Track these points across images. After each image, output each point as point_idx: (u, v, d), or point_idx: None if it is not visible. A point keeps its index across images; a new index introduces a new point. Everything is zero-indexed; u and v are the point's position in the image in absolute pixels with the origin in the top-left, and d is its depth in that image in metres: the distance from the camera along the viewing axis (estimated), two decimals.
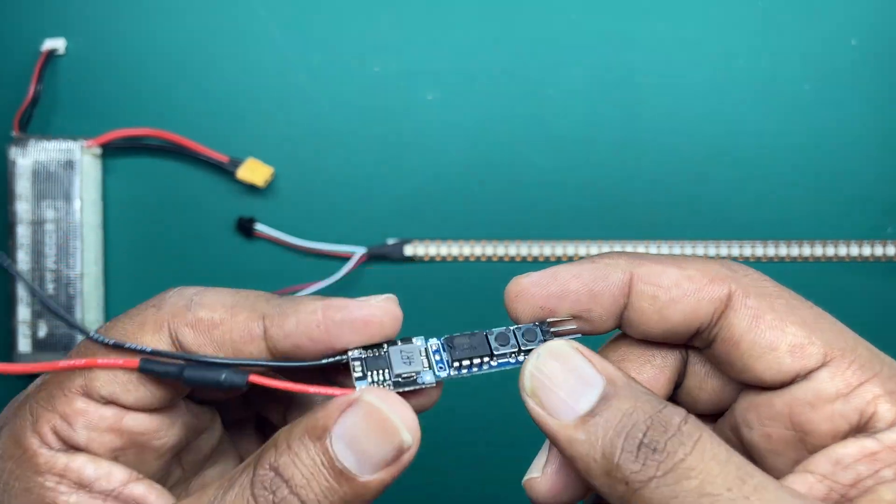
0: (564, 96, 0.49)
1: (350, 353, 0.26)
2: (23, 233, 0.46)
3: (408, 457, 0.24)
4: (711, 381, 0.27)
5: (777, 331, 0.25)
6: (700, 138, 0.48)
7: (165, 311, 0.25)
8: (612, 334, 0.29)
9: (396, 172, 0.49)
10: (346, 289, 0.49)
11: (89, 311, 0.47)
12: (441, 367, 0.26)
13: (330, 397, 0.24)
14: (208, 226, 0.49)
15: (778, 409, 0.25)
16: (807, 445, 0.25)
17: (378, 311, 0.25)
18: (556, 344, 0.25)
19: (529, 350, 0.26)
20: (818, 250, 0.48)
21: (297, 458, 0.23)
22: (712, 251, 0.48)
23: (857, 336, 0.26)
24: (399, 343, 0.26)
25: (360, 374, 0.25)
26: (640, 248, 0.48)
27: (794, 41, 0.48)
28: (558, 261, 0.48)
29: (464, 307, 0.49)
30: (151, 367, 0.25)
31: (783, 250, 0.48)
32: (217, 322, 0.25)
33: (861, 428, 0.24)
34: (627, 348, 0.28)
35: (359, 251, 0.48)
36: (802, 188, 0.48)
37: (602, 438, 0.22)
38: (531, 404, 0.24)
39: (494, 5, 0.48)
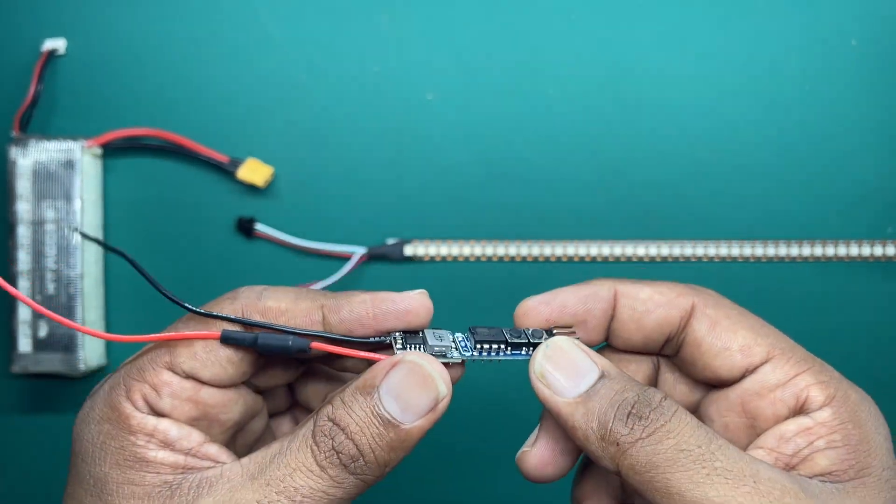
0: (564, 96, 0.49)
1: (393, 334, 0.31)
2: (23, 233, 0.46)
3: (443, 405, 0.29)
4: (680, 386, 0.33)
5: (730, 333, 0.31)
6: (700, 138, 0.48)
7: (240, 302, 0.31)
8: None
9: (396, 172, 0.49)
10: (347, 289, 0.49)
11: (90, 310, 0.47)
12: (465, 350, 0.31)
13: (372, 364, 0.30)
14: (208, 226, 0.49)
15: (732, 401, 0.31)
16: (756, 430, 0.30)
17: (416, 303, 0.31)
18: (561, 338, 0.31)
19: (537, 343, 0.31)
20: (818, 250, 0.48)
21: (350, 410, 0.28)
22: (712, 251, 0.48)
23: (794, 342, 0.31)
24: (434, 330, 0.31)
25: (400, 347, 0.31)
26: (640, 249, 0.48)
27: (794, 41, 0.48)
28: (558, 261, 0.48)
29: (464, 307, 0.49)
30: (231, 335, 0.30)
31: (783, 250, 0.48)
32: (284, 310, 0.31)
33: (798, 411, 0.30)
34: (608, 356, 0.33)
35: (359, 251, 0.48)
36: (803, 188, 0.48)
37: (598, 411, 0.28)
38: (539, 386, 0.30)
39: (494, 5, 0.48)
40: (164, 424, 0.29)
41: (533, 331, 0.32)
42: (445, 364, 0.31)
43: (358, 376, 0.30)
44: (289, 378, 0.34)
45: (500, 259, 0.49)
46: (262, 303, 0.31)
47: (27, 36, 0.48)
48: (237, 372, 0.31)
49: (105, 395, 0.30)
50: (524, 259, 0.48)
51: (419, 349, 0.31)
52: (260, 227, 0.48)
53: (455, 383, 0.31)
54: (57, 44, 0.48)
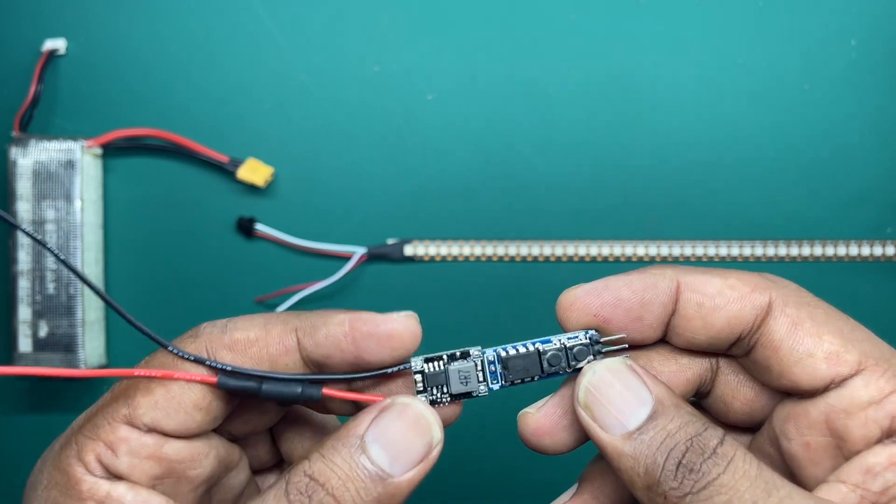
0: (564, 96, 0.49)
1: (413, 364, 0.27)
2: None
3: (436, 453, 0.26)
4: (744, 390, 0.29)
5: (814, 338, 0.26)
6: (700, 138, 0.48)
7: (203, 339, 0.27)
8: None
9: (396, 172, 0.49)
10: (347, 289, 0.49)
11: (89, 311, 0.47)
12: (494, 381, 0.28)
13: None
14: (208, 226, 0.49)
15: (814, 418, 0.26)
16: (843, 452, 0.26)
17: (400, 327, 0.27)
18: (612, 361, 0.27)
19: (579, 368, 0.27)
20: (818, 250, 0.48)
21: (332, 463, 0.25)
22: (712, 251, 0.48)
23: (891, 347, 0.27)
24: (458, 357, 0.28)
25: (420, 388, 0.28)
26: (640, 249, 0.48)
27: (794, 41, 0.48)
28: (558, 261, 0.48)
29: (464, 307, 0.49)
30: (230, 382, 0.26)
31: (783, 250, 0.48)
32: (253, 340, 0.27)
33: (892, 433, 0.25)
34: (664, 354, 0.29)
35: (359, 251, 0.48)
36: (802, 188, 0.48)
37: (646, 456, 0.24)
38: (584, 416, 0.26)
39: (494, 5, 0.48)
40: (118, 490, 0.25)
41: (577, 351, 0.27)
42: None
43: (341, 425, 0.26)
44: (266, 423, 0.30)
45: (500, 259, 0.49)
46: (228, 336, 0.27)
47: (27, 36, 0.48)
48: (206, 419, 0.27)
49: (55, 457, 0.26)
50: (524, 259, 0.48)
51: (441, 390, 0.27)
52: (260, 227, 0.48)
53: (449, 426, 0.28)
54: (57, 44, 0.48)
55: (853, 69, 0.48)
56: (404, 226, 0.49)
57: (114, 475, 0.26)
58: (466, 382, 0.27)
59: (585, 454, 0.31)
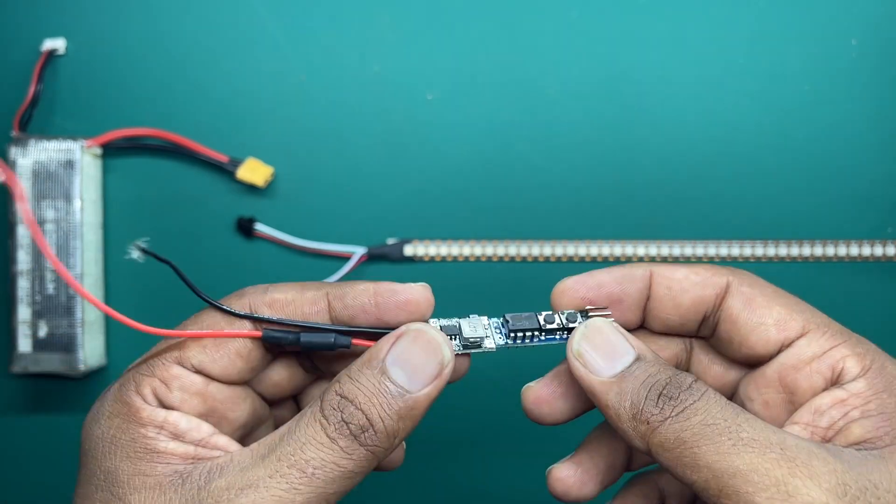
0: (564, 96, 0.49)
1: (431, 322, 0.32)
2: (23, 233, 0.46)
3: (447, 371, 0.30)
4: (714, 367, 0.34)
5: (765, 309, 0.31)
6: (700, 138, 0.48)
7: (247, 298, 0.32)
8: None
9: (396, 172, 0.49)
10: None
11: (89, 311, 0.47)
12: (500, 337, 0.33)
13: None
14: (208, 226, 0.49)
15: (769, 377, 0.32)
16: (794, 404, 0.31)
17: (417, 295, 0.32)
18: (600, 320, 0.32)
19: (572, 328, 0.32)
20: (818, 250, 0.48)
21: (358, 383, 0.29)
22: (712, 251, 0.48)
23: (830, 318, 0.32)
24: (469, 317, 0.33)
25: None
26: (640, 249, 0.48)
27: (794, 41, 0.48)
28: (558, 261, 0.48)
29: (464, 307, 0.49)
30: (273, 335, 0.31)
31: (783, 250, 0.48)
32: (290, 300, 0.32)
33: (834, 382, 0.30)
34: (643, 337, 0.34)
35: (359, 251, 0.48)
36: (802, 188, 0.48)
37: (631, 391, 0.29)
38: (576, 364, 0.31)
39: (494, 5, 0.48)
40: (173, 416, 0.30)
41: (567, 315, 0.33)
42: (466, 354, 0.32)
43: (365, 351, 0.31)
44: (297, 386, 0.34)
45: (500, 259, 0.48)
46: (269, 295, 0.32)
47: (27, 36, 0.48)
48: (246, 367, 0.32)
49: (115, 392, 0.30)
50: (524, 259, 0.48)
51: (455, 339, 0.32)
52: (260, 227, 0.48)
53: (460, 378, 0.32)
54: (57, 43, 0.48)
55: (853, 69, 0.48)
56: (404, 226, 0.49)
57: (166, 406, 0.30)
58: (475, 330, 0.32)
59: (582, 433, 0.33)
